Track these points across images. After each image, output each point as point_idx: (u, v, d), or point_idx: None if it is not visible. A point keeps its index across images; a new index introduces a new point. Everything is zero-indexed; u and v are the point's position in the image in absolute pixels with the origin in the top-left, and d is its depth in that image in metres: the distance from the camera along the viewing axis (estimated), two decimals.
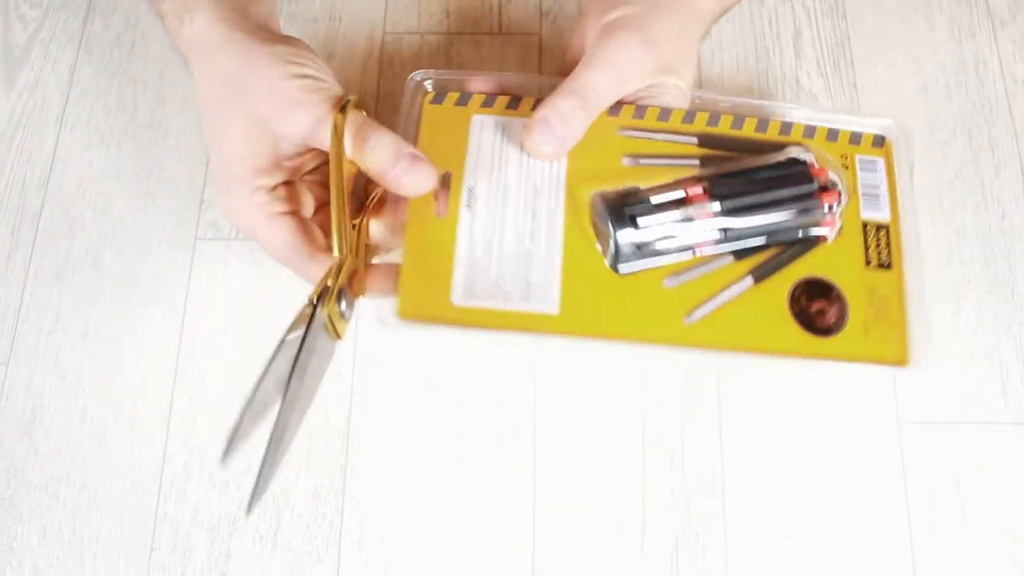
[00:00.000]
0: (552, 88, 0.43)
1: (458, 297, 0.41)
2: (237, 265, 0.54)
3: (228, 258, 0.54)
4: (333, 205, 0.39)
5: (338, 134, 0.40)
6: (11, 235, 0.55)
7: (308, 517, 0.50)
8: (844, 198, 0.43)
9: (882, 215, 0.44)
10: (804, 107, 0.46)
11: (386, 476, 0.50)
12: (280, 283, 0.54)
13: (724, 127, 0.45)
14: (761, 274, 0.42)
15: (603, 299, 0.42)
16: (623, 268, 0.42)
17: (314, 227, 0.43)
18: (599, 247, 0.42)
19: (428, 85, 0.46)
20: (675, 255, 0.42)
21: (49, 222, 0.56)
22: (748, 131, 0.45)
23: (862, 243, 0.43)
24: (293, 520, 0.49)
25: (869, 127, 0.46)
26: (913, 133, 0.47)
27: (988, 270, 0.53)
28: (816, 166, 0.43)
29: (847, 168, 0.45)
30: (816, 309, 0.42)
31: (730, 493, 0.50)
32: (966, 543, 0.48)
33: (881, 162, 0.45)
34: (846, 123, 0.46)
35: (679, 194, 0.42)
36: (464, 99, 0.45)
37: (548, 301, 0.41)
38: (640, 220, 0.41)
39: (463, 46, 0.60)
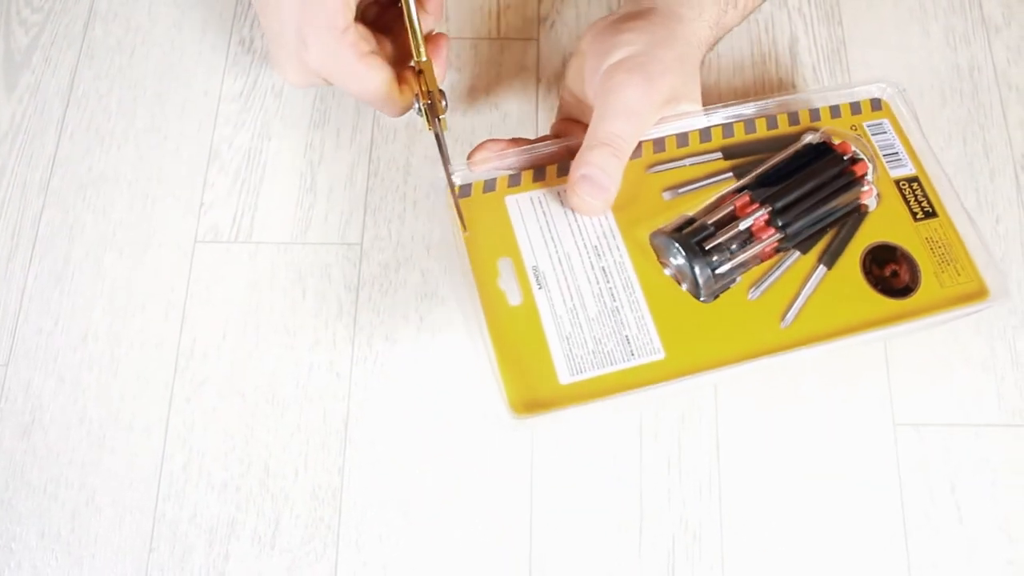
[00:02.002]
0: (553, 150, 0.46)
1: (565, 376, 0.41)
2: (236, 267, 0.55)
3: (227, 261, 0.55)
4: (409, 13, 0.44)
5: None
6: (11, 237, 0.56)
7: (306, 518, 0.50)
8: (871, 165, 0.45)
9: (908, 170, 0.46)
10: (798, 94, 0.48)
11: (384, 477, 0.50)
12: (278, 284, 0.54)
13: (740, 134, 0.46)
14: (830, 258, 0.43)
15: (701, 328, 0.42)
16: (707, 296, 0.42)
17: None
18: (682, 284, 0.43)
19: (455, 179, 0.46)
20: (748, 266, 0.43)
21: (49, 225, 0.56)
22: (762, 131, 0.47)
23: (902, 200, 0.45)
24: (291, 521, 0.50)
25: (862, 94, 0.48)
26: (904, 83, 0.48)
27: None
28: (837, 142, 0.45)
29: (861, 138, 0.46)
30: (890, 272, 0.43)
31: (726, 495, 0.50)
32: (962, 545, 0.49)
33: (886, 122, 0.47)
34: (841, 97, 0.48)
35: (729, 209, 0.43)
36: (491, 184, 0.46)
37: (652, 349, 0.41)
38: (708, 245, 0.42)
39: (462, 51, 0.60)
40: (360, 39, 0.45)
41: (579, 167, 0.43)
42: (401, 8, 0.45)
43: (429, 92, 0.45)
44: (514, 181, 0.46)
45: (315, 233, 0.55)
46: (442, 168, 0.45)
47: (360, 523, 0.50)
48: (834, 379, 0.52)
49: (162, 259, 0.55)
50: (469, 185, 0.46)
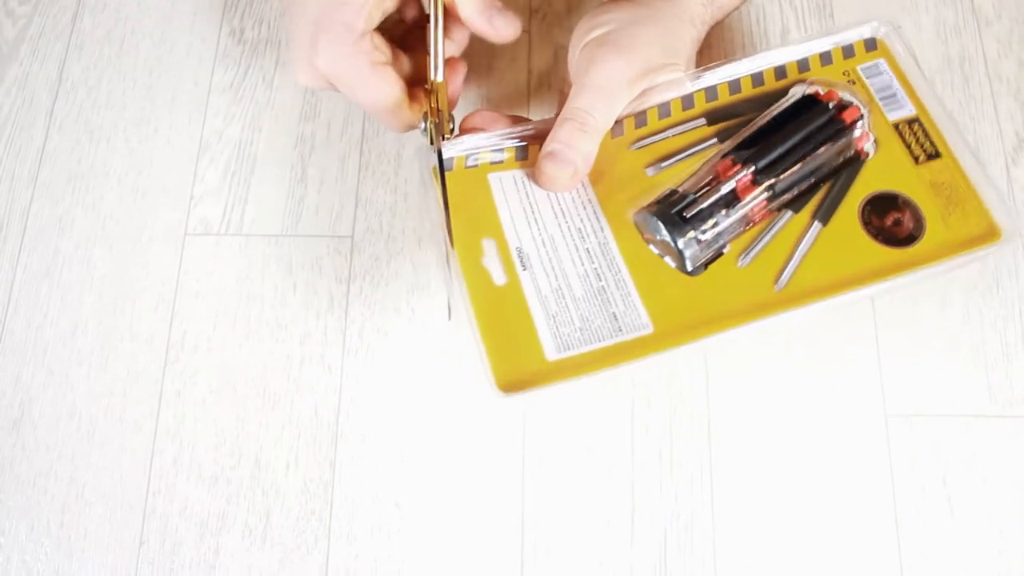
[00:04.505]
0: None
1: (551, 352, 0.40)
2: (226, 260, 0.54)
3: (217, 253, 0.55)
4: (432, 29, 0.44)
5: None
6: (0, 230, 0.55)
7: (297, 512, 0.50)
8: (865, 111, 0.43)
9: (907, 111, 0.44)
10: (787, 45, 0.46)
11: (375, 470, 0.50)
12: (269, 277, 0.54)
13: (724, 96, 0.45)
14: (825, 213, 0.42)
15: (690, 302, 0.41)
16: (695, 267, 0.41)
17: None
18: (667, 260, 0.42)
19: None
20: (736, 232, 0.42)
21: (38, 218, 0.56)
22: (747, 90, 0.45)
23: (902, 144, 0.43)
24: (282, 514, 0.49)
25: (855, 36, 0.46)
26: (900, 20, 0.46)
27: (973, 266, 0.54)
28: (823, 92, 0.43)
29: (854, 83, 0.45)
30: (891, 221, 0.42)
31: (718, 487, 0.50)
32: (953, 536, 0.49)
33: (883, 62, 0.45)
34: (833, 42, 0.46)
35: (711, 176, 0.42)
36: (474, 160, 0.45)
37: (641, 325, 0.41)
38: (689, 215, 0.41)
39: None
40: (375, 48, 0.43)
41: (546, 144, 0.43)
42: (426, 31, 0.44)
43: (438, 111, 0.44)
44: (497, 159, 0.45)
45: (306, 225, 0.55)
46: (434, 168, 0.44)
47: (352, 516, 0.49)
48: (826, 370, 0.52)
49: (152, 252, 0.55)
50: (452, 159, 0.45)
